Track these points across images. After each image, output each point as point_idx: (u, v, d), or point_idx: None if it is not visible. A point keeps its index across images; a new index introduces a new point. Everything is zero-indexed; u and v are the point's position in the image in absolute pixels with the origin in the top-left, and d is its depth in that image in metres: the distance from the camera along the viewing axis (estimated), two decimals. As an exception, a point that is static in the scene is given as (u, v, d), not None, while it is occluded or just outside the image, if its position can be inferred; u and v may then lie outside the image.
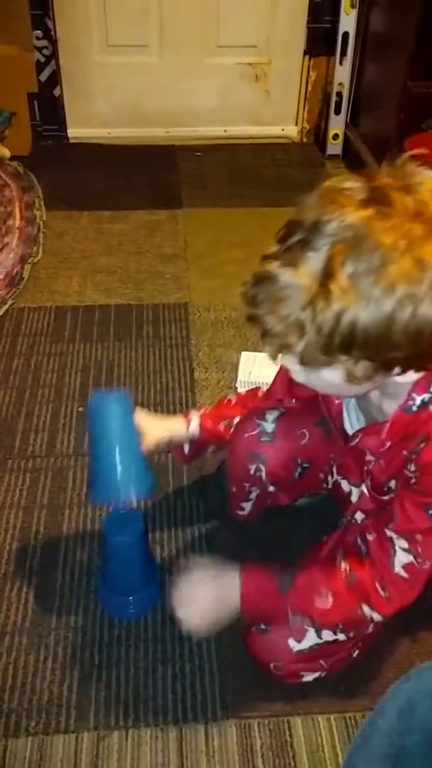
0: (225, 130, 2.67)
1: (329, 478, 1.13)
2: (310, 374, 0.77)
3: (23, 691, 1.09)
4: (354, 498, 1.04)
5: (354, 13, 2.35)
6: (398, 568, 0.90)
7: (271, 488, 1.16)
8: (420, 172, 0.69)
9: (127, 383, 1.64)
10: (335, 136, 2.58)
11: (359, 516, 1.04)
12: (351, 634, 1.01)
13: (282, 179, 2.49)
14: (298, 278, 0.68)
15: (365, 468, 0.97)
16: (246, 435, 1.13)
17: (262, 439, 1.12)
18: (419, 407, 0.83)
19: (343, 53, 2.43)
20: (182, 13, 2.46)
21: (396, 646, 1.15)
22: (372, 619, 0.95)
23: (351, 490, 1.05)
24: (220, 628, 1.02)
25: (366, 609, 0.93)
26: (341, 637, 1.01)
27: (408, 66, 2.06)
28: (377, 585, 0.91)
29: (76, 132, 2.62)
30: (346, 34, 2.39)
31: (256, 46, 2.56)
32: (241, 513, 1.25)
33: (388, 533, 0.90)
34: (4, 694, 1.08)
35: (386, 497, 0.95)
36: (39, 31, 2.37)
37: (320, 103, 2.61)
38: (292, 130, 2.72)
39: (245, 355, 1.68)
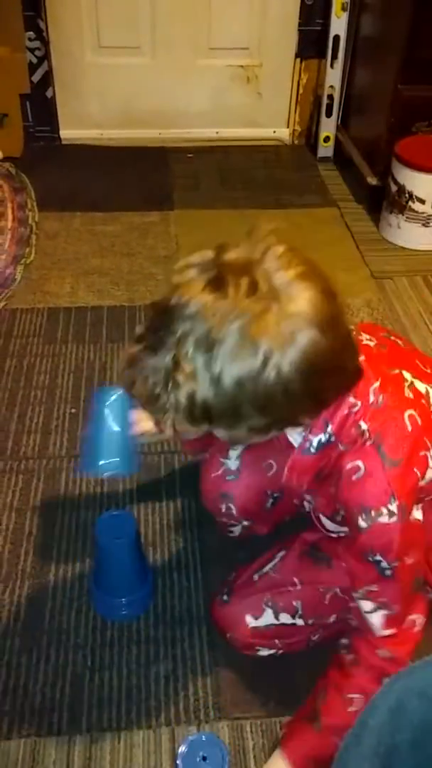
0: (217, 132, 2.67)
1: (304, 503, 1.11)
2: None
3: (16, 694, 1.09)
4: (324, 521, 1.06)
5: (345, 16, 2.35)
6: (381, 631, 0.90)
7: (246, 522, 1.18)
8: (270, 246, 0.73)
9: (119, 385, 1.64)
10: (326, 139, 2.59)
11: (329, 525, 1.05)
12: (310, 621, 1.05)
13: (273, 181, 2.49)
14: (156, 362, 0.74)
15: (308, 508, 1.01)
16: (212, 475, 1.16)
17: (227, 477, 1.13)
18: (317, 448, 0.85)
19: (334, 56, 2.44)
20: (174, 15, 2.46)
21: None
22: None
23: (319, 515, 1.06)
24: None
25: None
26: (299, 622, 1.05)
27: (398, 69, 2.07)
28: (379, 655, 0.91)
29: (68, 133, 2.61)
30: (337, 37, 2.40)
31: (248, 49, 2.56)
32: (231, 535, 1.27)
33: (354, 602, 0.92)
34: (-4, 696, 1.08)
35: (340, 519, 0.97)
36: (31, 32, 2.36)
37: (311, 105, 2.62)
38: (283, 133, 2.72)
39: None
